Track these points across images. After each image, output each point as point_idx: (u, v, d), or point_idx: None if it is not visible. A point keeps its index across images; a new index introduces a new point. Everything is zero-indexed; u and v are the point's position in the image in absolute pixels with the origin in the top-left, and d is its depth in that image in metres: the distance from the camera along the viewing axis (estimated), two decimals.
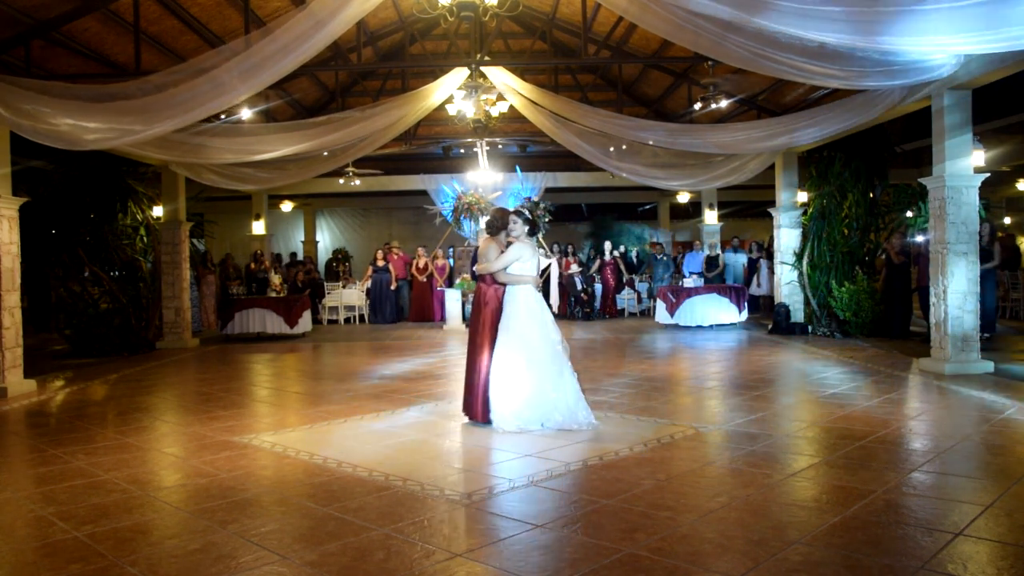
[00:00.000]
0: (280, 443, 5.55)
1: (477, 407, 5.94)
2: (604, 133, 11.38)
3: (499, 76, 10.51)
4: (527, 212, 6.21)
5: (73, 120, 7.65)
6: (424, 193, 17.57)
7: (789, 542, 3.44)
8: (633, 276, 16.94)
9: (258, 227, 18.41)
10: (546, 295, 8.38)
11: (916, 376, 8.06)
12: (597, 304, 16.35)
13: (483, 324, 6.03)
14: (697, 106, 12.08)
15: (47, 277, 12.40)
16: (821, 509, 3.91)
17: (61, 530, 3.79)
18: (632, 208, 23.28)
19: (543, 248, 15.46)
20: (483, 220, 6.38)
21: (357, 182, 17.17)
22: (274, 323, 13.25)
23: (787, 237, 12.98)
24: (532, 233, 6.21)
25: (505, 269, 5.98)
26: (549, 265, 8.48)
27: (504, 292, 6.02)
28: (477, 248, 6.23)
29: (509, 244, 6.09)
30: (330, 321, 16.39)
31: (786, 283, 12.87)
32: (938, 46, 6.50)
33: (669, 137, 11.10)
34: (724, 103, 11.56)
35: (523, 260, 5.96)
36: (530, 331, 5.82)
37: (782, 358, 9.79)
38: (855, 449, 5.05)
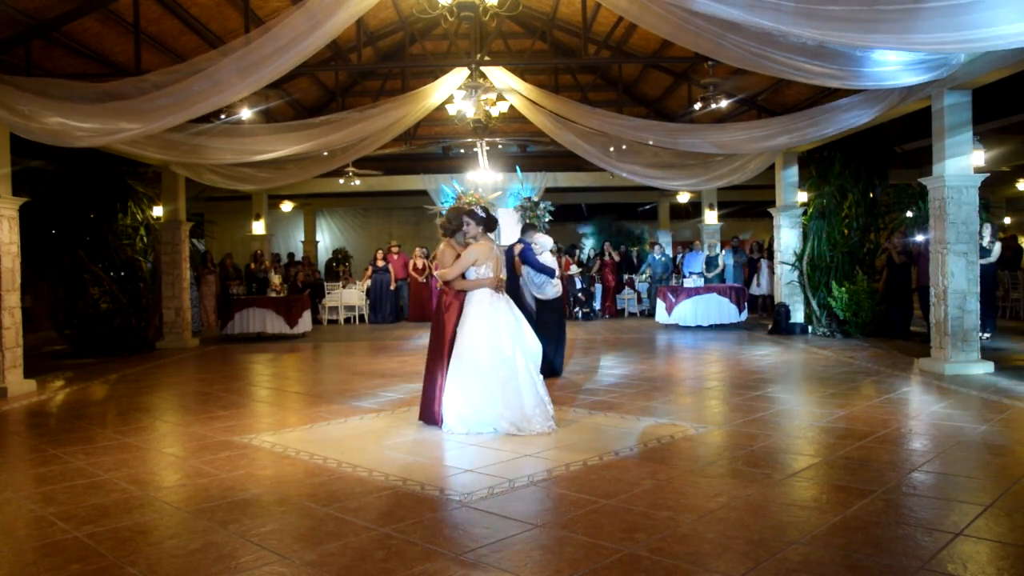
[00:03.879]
0: (280, 443, 5.55)
1: (436, 411, 5.88)
2: (604, 133, 11.37)
3: (499, 76, 10.50)
4: (481, 210, 6.05)
5: (72, 119, 7.64)
6: (424, 193, 17.58)
7: (789, 542, 3.44)
8: (633, 276, 16.95)
9: (258, 227, 18.40)
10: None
11: (916, 376, 8.06)
12: (597, 304, 16.36)
13: (444, 329, 5.94)
14: (697, 106, 12.06)
15: (47, 277, 12.39)
16: (821, 509, 3.91)
17: (61, 530, 3.79)
18: (632, 208, 23.28)
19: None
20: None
21: (357, 182, 17.17)
22: (274, 323, 13.27)
23: (787, 237, 12.99)
24: (490, 230, 6.04)
25: (464, 276, 5.87)
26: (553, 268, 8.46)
27: (464, 297, 5.93)
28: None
29: (467, 246, 5.96)
30: (330, 321, 16.41)
31: (786, 283, 12.88)
32: (937, 45, 6.49)
33: (669, 137, 11.08)
34: (724, 103, 11.54)
35: (479, 263, 5.84)
36: (478, 337, 5.72)
37: (782, 358, 9.79)
38: (855, 449, 5.05)
